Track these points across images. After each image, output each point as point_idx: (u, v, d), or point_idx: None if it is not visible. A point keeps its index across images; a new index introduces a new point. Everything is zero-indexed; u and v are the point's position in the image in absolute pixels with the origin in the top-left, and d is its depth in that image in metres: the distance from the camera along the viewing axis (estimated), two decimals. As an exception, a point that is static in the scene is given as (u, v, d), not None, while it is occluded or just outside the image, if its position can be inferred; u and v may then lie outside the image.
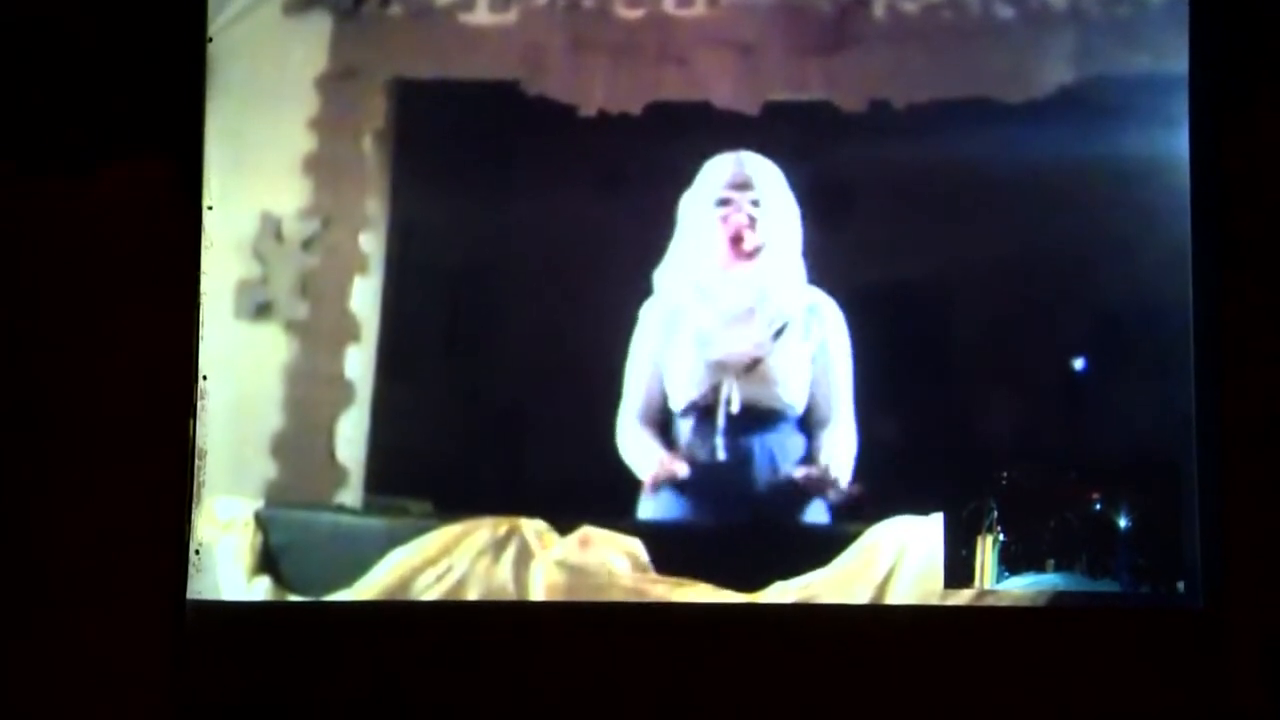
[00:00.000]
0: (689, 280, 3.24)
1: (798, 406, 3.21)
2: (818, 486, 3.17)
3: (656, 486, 3.20)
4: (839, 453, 3.19)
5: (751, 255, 3.23)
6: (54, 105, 3.23)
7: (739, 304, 3.24)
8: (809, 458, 3.19)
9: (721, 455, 3.19)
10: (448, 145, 3.30)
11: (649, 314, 3.24)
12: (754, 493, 3.18)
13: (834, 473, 3.18)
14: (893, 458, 3.18)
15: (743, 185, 3.23)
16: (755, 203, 3.23)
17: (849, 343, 3.21)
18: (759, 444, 3.19)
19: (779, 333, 3.23)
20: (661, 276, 3.24)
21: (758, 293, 3.23)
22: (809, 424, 3.21)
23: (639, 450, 3.22)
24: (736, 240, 3.23)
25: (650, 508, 3.20)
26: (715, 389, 3.21)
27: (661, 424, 3.23)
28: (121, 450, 3.15)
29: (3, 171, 3.21)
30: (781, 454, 3.19)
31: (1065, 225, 3.20)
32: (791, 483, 3.18)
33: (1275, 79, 3.16)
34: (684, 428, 3.22)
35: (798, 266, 3.23)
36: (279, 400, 3.23)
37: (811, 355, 3.22)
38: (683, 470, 3.19)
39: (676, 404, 3.23)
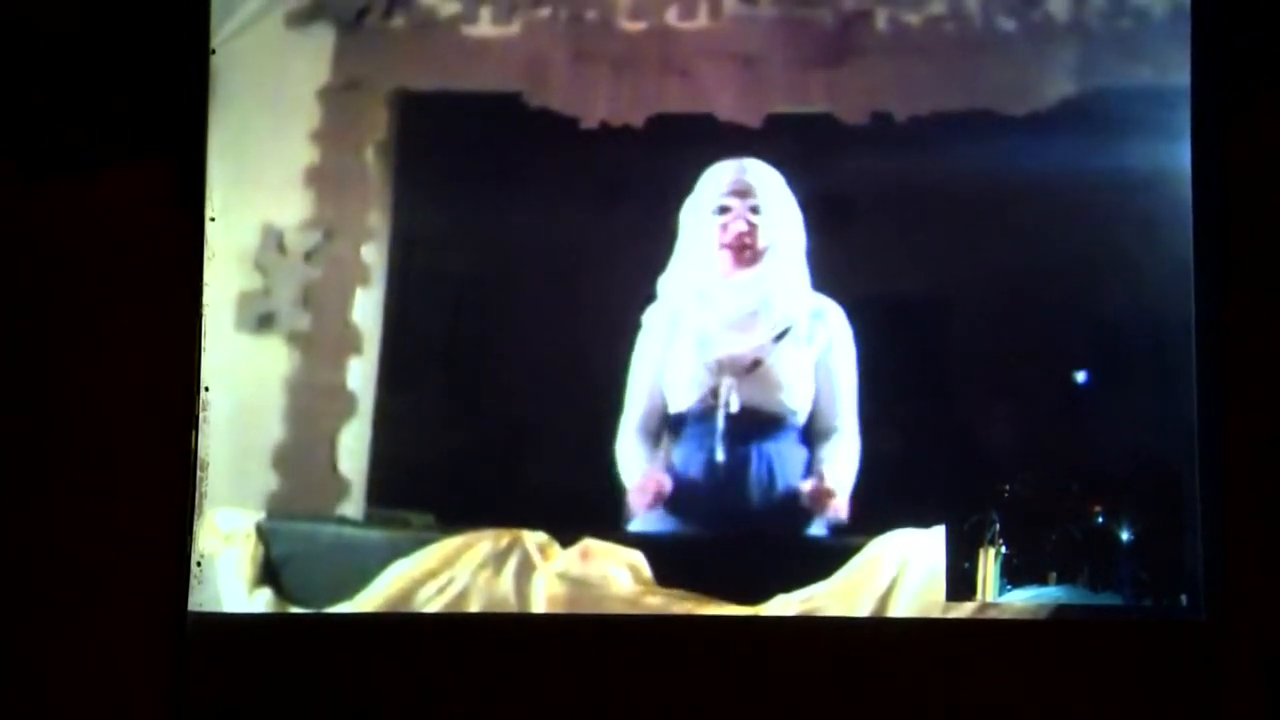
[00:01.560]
0: (691, 287, 3.24)
1: (800, 414, 3.21)
2: (821, 503, 3.17)
3: (645, 504, 3.19)
4: (841, 465, 3.19)
5: (752, 261, 3.23)
6: (56, 116, 3.23)
7: (741, 309, 3.24)
8: (811, 469, 3.19)
9: (720, 458, 3.19)
10: (450, 157, 3.30)
11: (652, 319, 3.24)
12: (751, 502, 3.18)
13: (837, 489, 3.17)
14: (895, 469, 3.18)
15: (742, 192, 3.23)
16: (755, 209, 3.23)
17: (854, 348, 3.21)
18: (757, 451, 3.19)
19: (780, 335, 3.22)
20: (665, 283, 3.24)
21: (760, 298, 3.23)
22: (811, 433, 3.20)
23: (632, 465, 3.21)
24: (736, 247, 3.23)
25: (643, 520, 3.19)
26: (714, 392, 3.21)
27: (659, 435, 3.23)
28: (123, 461, 3.15)
29: (5, 182, 3.22)
30: (780, 463, 3.19)
31: (1067, 237, 3.19)
32: (790, 494, 3.18)
33: (1277, 91, 3.17)
34: (682, 433, 3.21)
35: (801, 271, 3.23)
36: (281, 412, 3.23)
37: (815, 361, 3.22)
38: (666, 486, 3.19)
39: (675, 408, 3.22)
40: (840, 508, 3.16)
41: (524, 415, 3.25)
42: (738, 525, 3.17)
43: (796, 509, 3.18)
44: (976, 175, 3.21)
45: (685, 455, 3.21)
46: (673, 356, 3.23)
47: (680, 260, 3.24)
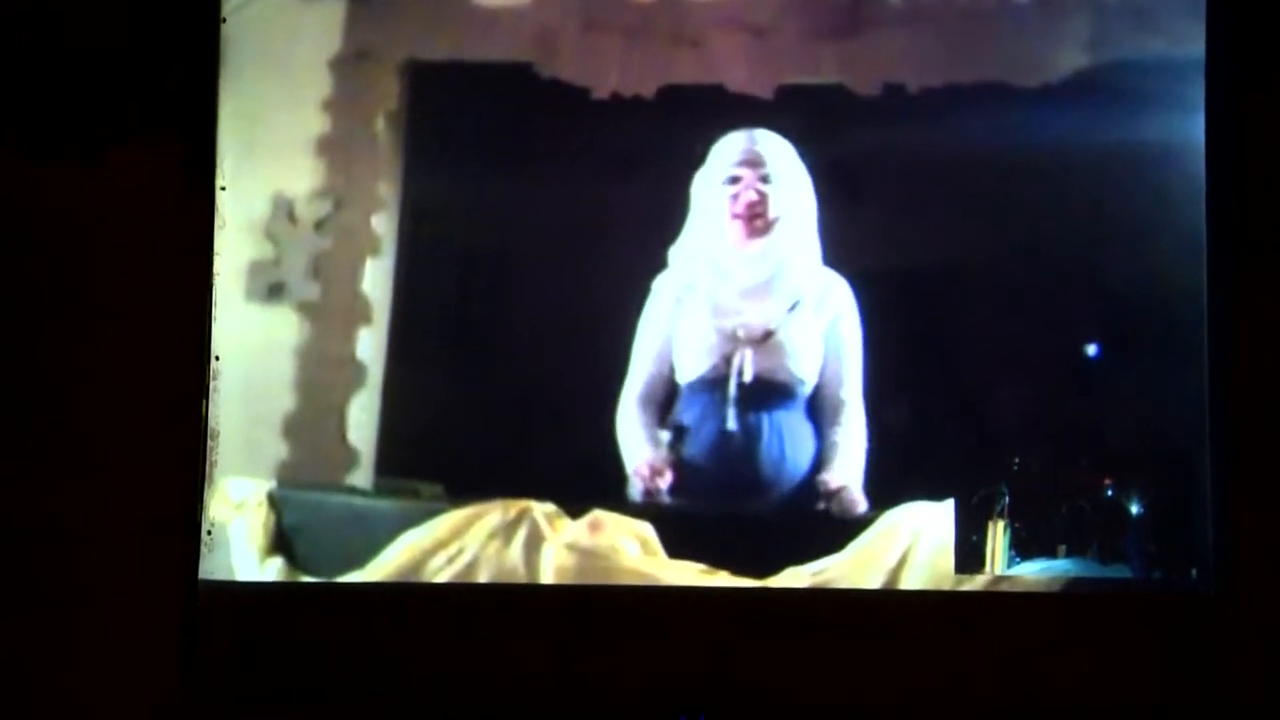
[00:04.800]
0: (704, 257, 3.23)
1: (809, 383, 3.21)
2: (835, 498, 3.17)
3: (644, 487, 3.19)
4: (850, 438, 3.18)
5: (764, 231, 3.23)
6: (67, 86, 3.22)
7: (755, 278, 3.23)
8: (820, 441, 3.18)
9: (732, 426, 3.19)
10: (460, 127, 3.29)
11: (662, 286, 3.24)
12: (761, 471, 3.18)
13: (847, 479, 3.16)
14: (906, 443, 3.18)
15: (753, 162, 3.23)
16: (765, 178, 3.23)
17: (860, 325, 3.21)
18: (769, 420, 3.19)
19: (792, 308, 3.22)
20: (676, 252, 3.24)
21: (774, 266, 3.23)
22: (819, 405, 3.20)
23: (632, 439, 3.21)
24: (747, 217, 3.22)
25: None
26: (727, 360, 3.21)
27: (663, 404, 3.22)
28: (134, 430, 3.15)
29: (16, 152, 3.21)
30: (790, 433, 3.19)
31: (1079, 210, 3.19)
32: (799, 466, 3.18)
33: (1292, 64, 3.16)
34: (693, 401, 3.21)
35: (813, 242, 3.22)
36: (291, 381, 3.23)
37: (824, 334, 3.21)
38: (666, 478, 3.19)
39: (686, 376, 3.22)
40: (854, 500, 3.16)
41: (533, 386, 3.25)
42: (748, 494, 3.18)
43: (806, 480, 3.18)
44: (989, 147, 3.20)
45: (696, 423, 3.20)
46: (685, 325, 3.23)
47: (693, 230, 3.23)
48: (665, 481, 3.19)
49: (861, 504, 3.16)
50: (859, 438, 3.19)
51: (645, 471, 3.19)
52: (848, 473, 3.17)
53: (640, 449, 3.21)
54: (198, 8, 3.24)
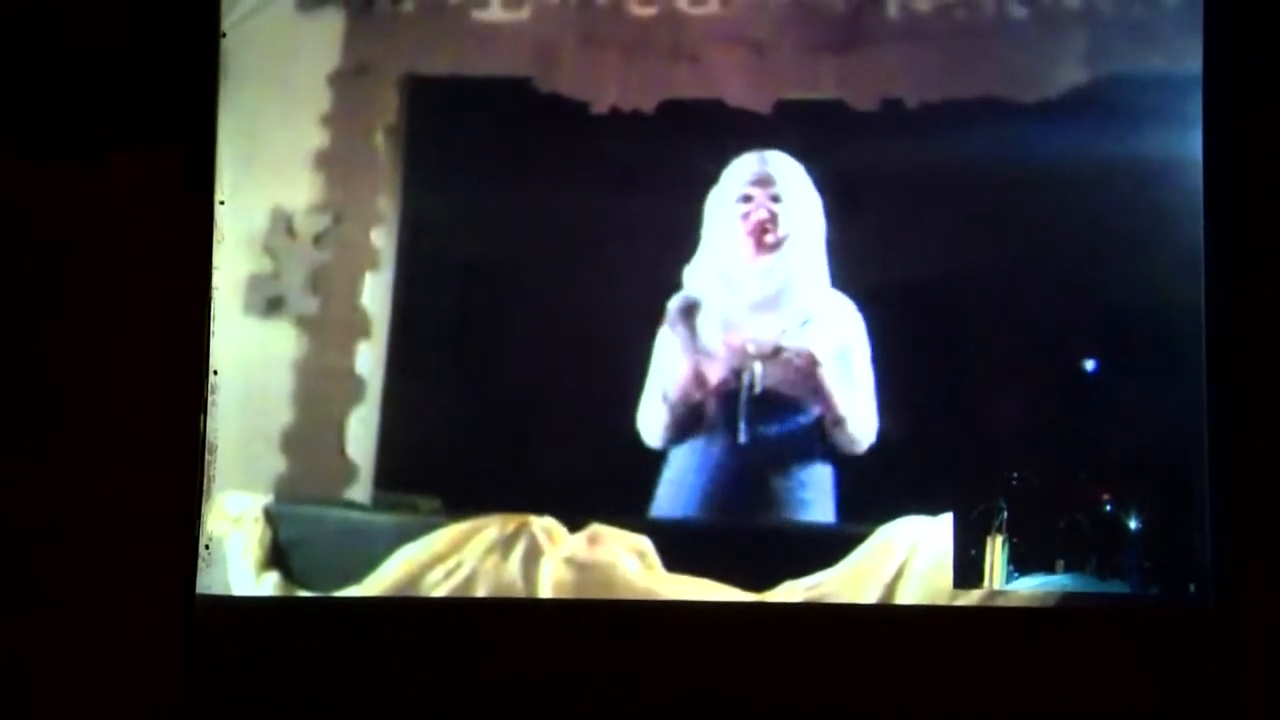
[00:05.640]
0: (716, 273, 3.24)
1: (818, 400, 3.21)
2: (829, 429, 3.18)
3: (682, 404, 3.20)
4: (857, 450, 3.19)
5: (774, 247, 3.24)
6: (67, 99, 3.23)
7: (764, 292, 3.25)
8: (827, 455, 3.19)
9: (742, 438, 3.19)
10: (460, 142, 3.30)
11: (676, 305, 3.25)
12: (771, 480, 3.19)
13: (845, 419, 3.19)
14: (904, 457, 3.18)
15: (763, 181, 3.24)
16: (775, 198, 3.24)
17: (869, 345, 3.21)
18: (778, 433, 3.19)
19: (803, 324, 3.23)
20: (690, 272, 3.25)
21: (782, 281, 3.25)
22: (828, 420, 3.20)
23: (658, 417, 3.21)
24: (758, 234, 3.23)
25: (671, 473, 3.21)
26: (739, 373, 3.21)
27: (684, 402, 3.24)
28: (132, 444, 3.16)
29: (15, 164, 3.22)
30: (798, 446, 3.19)
31: (1078, 225, 3.19)
32: (805, 480, 3.18)
33: (1289, 79, 3.16)
34: (705, 413, 3.21)
35: (821, 262, 3.23)
36: (289, 395, 3.23)
37: (834, 353, 3.21)
38: (713, 403, 3.19)
39: (699, 388, 3.23)
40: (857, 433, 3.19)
41: (531, 400, 3.25)
42: (757, 502, 3.18)
43: (815, 485, 3.19)
44: (987, 162, 3.20)
45: (709, 434, 3.21)
46: (698, 339, 3.24)
47: (705, 249, 3.25)
48: (712, 402, 3.20)
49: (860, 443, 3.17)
50: (866, 445, 3.19)
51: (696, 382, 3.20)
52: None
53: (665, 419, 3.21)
54: (197, 22, 3.24)
